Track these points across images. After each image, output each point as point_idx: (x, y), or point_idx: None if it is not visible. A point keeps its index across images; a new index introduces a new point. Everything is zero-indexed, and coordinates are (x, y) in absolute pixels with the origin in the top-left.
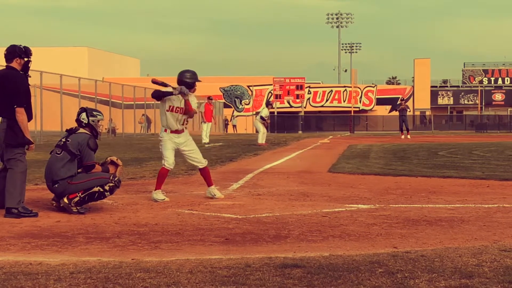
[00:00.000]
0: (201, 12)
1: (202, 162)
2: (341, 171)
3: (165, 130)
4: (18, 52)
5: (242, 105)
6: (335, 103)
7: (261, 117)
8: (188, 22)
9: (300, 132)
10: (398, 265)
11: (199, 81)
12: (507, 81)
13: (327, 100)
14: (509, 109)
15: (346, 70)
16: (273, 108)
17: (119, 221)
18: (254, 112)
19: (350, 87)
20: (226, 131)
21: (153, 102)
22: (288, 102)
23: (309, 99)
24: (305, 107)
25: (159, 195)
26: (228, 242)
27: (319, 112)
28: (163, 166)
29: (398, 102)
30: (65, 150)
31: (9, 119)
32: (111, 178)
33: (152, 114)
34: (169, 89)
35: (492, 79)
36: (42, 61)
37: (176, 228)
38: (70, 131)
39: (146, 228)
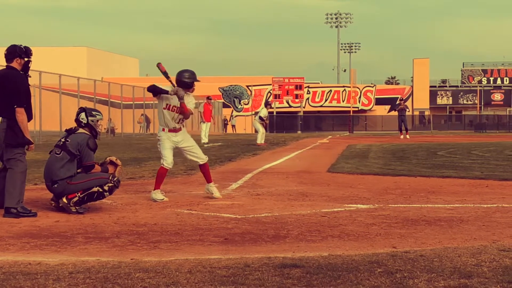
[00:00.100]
0: (200, 12)
1: (202, 158)
2: (340, 171)
3: (163, 129)
4: (18, 52)
5: (241, 105)
6: (334, 103)
7: (260, 117)
8: (188, 22)
9: (299, 132)
10: (397, 265)
11: (198, 81)
12: (506, 81)
13: (326, 100)
14: (508, 109)
15: (345, 70)
16: (272, 108)
17: (118, 221)
18: (253, 112)
19: (349, 87)
20: (225, 131)
21: (152, 102)
22: (287, 102)
23: (308, 99)
24: (304, 107)
25: (158, 195)
26: (227, 242)
27: (318, 112)
28: (162, 165)
29: (397, 102)
30: (64, 150)
31: (9, 119)
32: (110, 178)
33: (151, 114)
34: (167, 87)
35: (491, 79)
36: (41, 61)
37: (175, 228)
38: (70, 131)
39: (145, 228)
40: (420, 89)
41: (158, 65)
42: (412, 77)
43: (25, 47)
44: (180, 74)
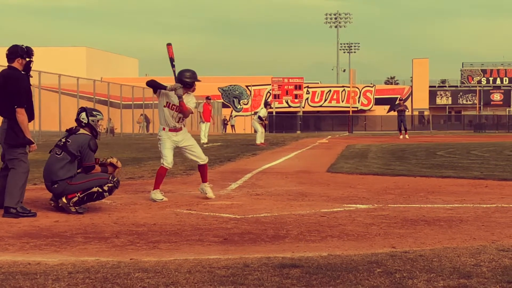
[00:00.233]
0: (200, 12)
1: (202, 158)
2: (339, 171)
3: (163, 129)
4: (20, 52)
5: (240, 105)
6: (333, 103)
7: (259, 117)
8: (188, 22)
9: (298, 132)
10: (397, 265)
11: (199, 80)
12: (506, 81)
13: (325, 100)
14: (507, 109)
15: (344, 70)
16: (272, 108)
17: (117, 221)
18: (253, 112)
19: (349, 87)
20: (225, 131)
21: (151, 102)
22: (287, 102)
23: (307, 99)
24: (303, 107)
25: (157, 195)
26: (226, 242)
27: (318, 112)
28: (162, 165)
29: (397, 102)
30: (65, 151)
31: (10, 119)
32: (110, 178)
33: (150, 114)
34: (169, 85)
35: (491, 79)
36: (41, 61)
37: (175, 228)
38: (70, 131)
39: (144, 228)
40: (419, 89)
41: (168, 47)
42: (412, 77)
43: (26, 47)
44: (181, 74)
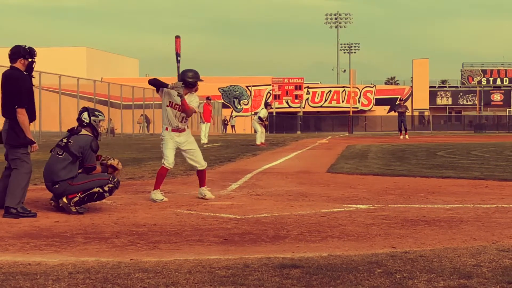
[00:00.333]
0: (200, 12)
1: (201, 164)
2: (339, 171)
3: (166, 129)
4: (22, 53)
5: (240, 105)
6: (333, 103)
7: (259, 118)
8: (188, 22)
9: (298, 132)
10: (397, 265)
11: (201, 80)
12: (506, 82)
13: (325, 100)
14: (507, 109)
15: (344, 71)
16: (272, 108)
17: (117, 221)
18: (253, 113)
19: (349, 87)
20: (225, 132)
21: (151, 103)
22: (287, 102)
23: (307, 99)
24: (303, 107)
25: (157, 195)
26: (226, 242)
27: (318, 112)
28: (163, 165)
29: (397, 103)
30: (67, 152)
31: (11, 119)
32: (110, 179)
33: (150, 114)
34: (171, 83)
35: (491, 79)
36: (41, 62)
37: (175, 228)
38: (72, 131)
39: (144, 228)
40: (419, 89)
41: (176, 39)
42: (412, 77)
43: (29, 47)
44: (183, 74)
